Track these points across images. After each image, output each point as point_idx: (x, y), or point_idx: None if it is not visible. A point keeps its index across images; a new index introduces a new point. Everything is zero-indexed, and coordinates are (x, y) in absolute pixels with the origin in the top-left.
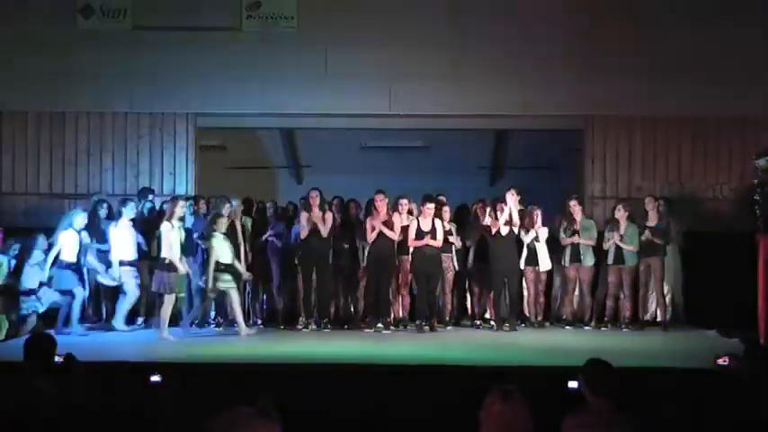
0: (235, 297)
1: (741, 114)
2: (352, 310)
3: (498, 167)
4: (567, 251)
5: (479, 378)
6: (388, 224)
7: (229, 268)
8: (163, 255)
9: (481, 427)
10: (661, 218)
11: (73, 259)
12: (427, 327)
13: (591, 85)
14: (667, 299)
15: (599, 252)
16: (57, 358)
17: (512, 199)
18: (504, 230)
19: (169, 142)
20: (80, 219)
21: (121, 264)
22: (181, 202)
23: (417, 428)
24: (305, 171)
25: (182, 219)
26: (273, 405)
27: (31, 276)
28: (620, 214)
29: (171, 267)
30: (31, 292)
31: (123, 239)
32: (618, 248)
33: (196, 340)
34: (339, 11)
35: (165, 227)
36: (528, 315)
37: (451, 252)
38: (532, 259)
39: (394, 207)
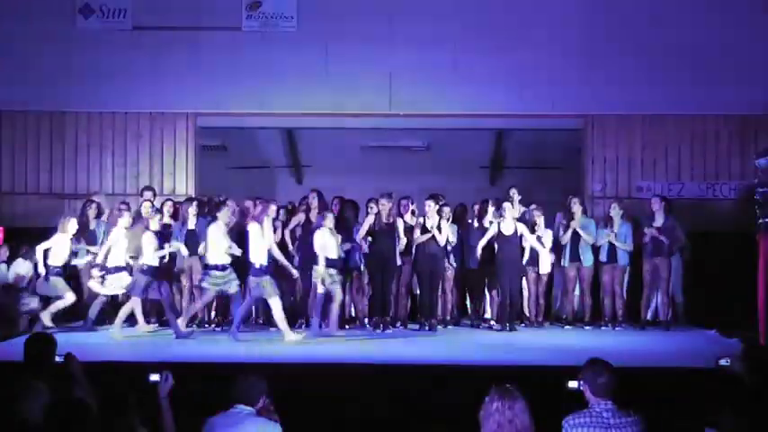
0: (338, 294)
1: (741, 114)
2: (353, 310)
3: (498, 167)
4: (567, 251)
5: (479, 378)
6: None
7: (336, 264)
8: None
9: (481, 427)
10: (667, 218)
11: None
12: (427, 325)
13: (591, 85)
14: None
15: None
16: (57, 358)
17: (429, 208)
18: (509, 231)
19: (169, 142)
20: (71, 224)
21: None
22: (272, 206)
23: (417, 428)
24: (305, 171)
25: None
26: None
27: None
28: (615, 212)
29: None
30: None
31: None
32: (611, 247)
33: (196, 340)
34: (339, 11)
35: (254, 228)
36: (528, 315)
37: (451, 252)
38: (533, 260)
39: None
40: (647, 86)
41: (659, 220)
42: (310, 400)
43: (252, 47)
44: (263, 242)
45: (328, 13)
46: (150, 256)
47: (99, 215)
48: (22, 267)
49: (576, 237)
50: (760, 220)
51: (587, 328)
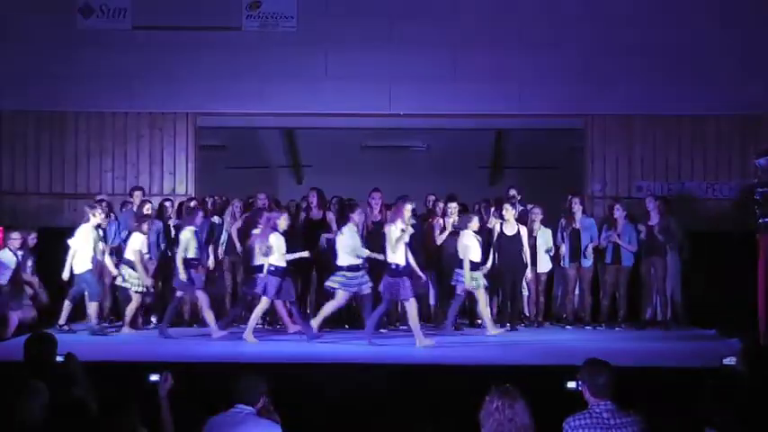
0: (483, 298)
1: (741, 114)
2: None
3: (498, 167)
4: (567, 251)
5: (479, 378)
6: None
7: (478, 266)
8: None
9: (481, 428)
10: (662, 217)
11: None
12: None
13: (591, 84)
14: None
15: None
16: (57, 358)
17: (452, 209)
18: (511, 231)
19: (169, 142)
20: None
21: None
22: (409, 205)
23: (417, 428)
24: (305, 171)
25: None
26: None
27: None
28: (619, 214)
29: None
30: None
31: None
32: (615, 248)
33: (196, 340)
34: (339, 11)
35: (349, 230)
36: (528, 315)
37: None
38: (533, 260)
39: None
40: (647, 86)
41: (654, 219)
42: (310, 400)
43: (252, 47)
44: (400, 243)
45: (328, 13)
46: (279, 258)
47: (109, 215)
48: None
49: (576, 237)
50: (760, 220)
51: (587, 327)
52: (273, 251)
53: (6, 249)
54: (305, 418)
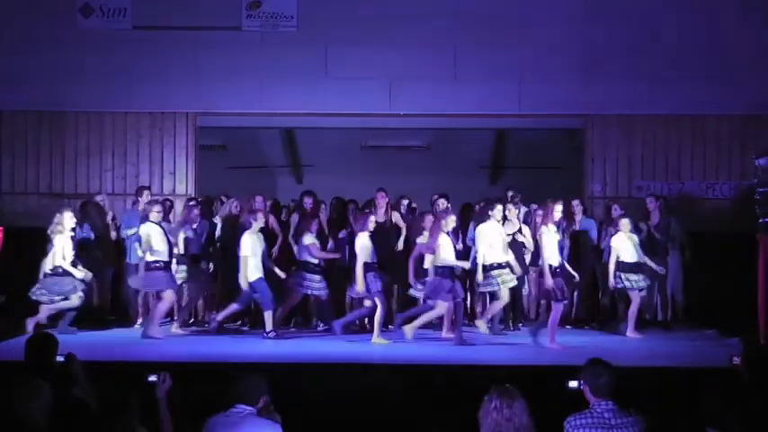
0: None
1: (741, 114)
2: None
3: (498, 167)
4: (567, 252)
5: (479, 378)
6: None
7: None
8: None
9: (480, 427)
10: (662, 217)
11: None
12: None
13: (591, 84)
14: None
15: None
16: (58, 358)
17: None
18: (513, 231)
19: (169, 142)
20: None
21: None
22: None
23: (417, 428)
24: (305, 171)
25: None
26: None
27: None
28: (617, 214)
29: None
30: None
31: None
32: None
33: (196, 340)
34: (339, 11)
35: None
36: (528, 315)
37: None
38: (533, 259)
39: (395, 207)
40: (647, 86)
41: (655, 219)
42: (310, 400)
43: (252, 47)
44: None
45: (328, 13)
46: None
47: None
48: None
49: (576, 238)
50: (760, 220)
51: (587, 328)
52: (441, 252)
53: None
54: (305, 419)
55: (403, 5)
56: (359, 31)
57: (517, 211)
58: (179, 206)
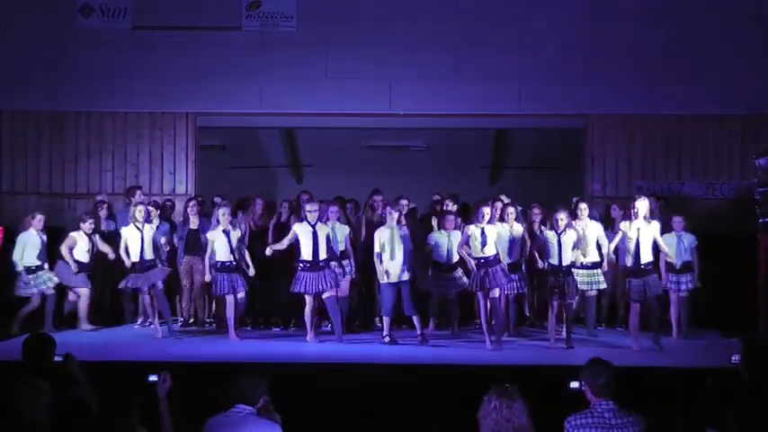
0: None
1: (741, 114)
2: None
3: (498, 167)
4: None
5: (479, 378)
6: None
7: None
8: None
9: (480, 427)
10: (662, 217)
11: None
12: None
13: (591, 85)
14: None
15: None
16: (56, 358)
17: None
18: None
19: (169, 142)
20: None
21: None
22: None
23: (417, 428)
24: (305, 171)
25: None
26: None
27: None
28: (617, 213)
29: None
30: None
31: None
32: (614, 248)
33: (196, 340)
34: (339, 11)
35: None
36: (528, 315)
37: None
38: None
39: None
40: (647, 86)
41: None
42: (310, 400)
43: (252, 47)
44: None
45: (328, 13)
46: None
47: (110, 217)
48: None
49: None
50: (760, 220)
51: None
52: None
53: None
54: (305, 419)
55: (403, 6)
56: (359, 31)
57: (515, 212)
58: (179, 206)
